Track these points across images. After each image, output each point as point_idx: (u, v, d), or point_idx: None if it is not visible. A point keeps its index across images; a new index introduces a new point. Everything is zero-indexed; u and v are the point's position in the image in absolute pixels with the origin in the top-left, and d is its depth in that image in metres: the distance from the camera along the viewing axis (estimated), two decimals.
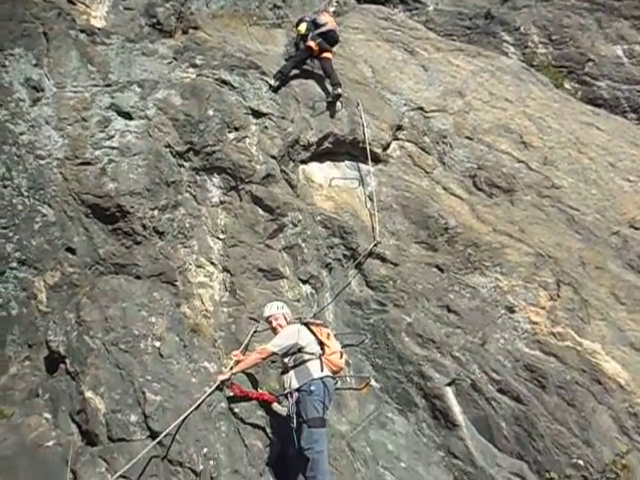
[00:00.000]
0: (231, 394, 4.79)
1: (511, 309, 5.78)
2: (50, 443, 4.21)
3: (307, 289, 6.09)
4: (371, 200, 6.64)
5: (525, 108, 7.96)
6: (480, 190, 6.88)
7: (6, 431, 4.30)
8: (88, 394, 4.38)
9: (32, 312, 5.36)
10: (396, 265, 6.13)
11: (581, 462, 4.86)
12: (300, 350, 4.66)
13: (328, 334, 4.93)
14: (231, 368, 4.89)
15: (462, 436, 5.36)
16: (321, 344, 4.82)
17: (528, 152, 7.28)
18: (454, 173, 7.08)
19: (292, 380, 4.62)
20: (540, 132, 7.56)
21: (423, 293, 5.94)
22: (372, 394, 5.67)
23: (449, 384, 5.52)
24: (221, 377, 4.74)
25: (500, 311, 5.79)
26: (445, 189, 6.86)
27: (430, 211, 6.47)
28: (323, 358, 4.70)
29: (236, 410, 4.82)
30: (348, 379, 5.69)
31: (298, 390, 4.58)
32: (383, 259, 6.17)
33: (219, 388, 4.73)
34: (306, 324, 4.89)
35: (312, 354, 4.67)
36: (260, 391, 4.98)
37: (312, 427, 4.48)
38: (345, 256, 6.30)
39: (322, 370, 4.63)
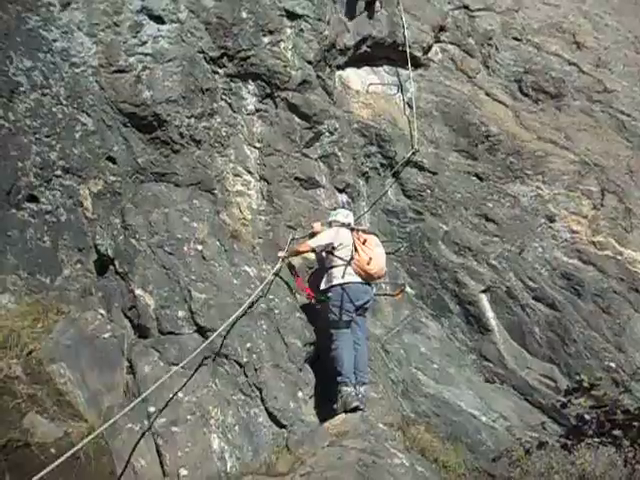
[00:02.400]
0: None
1: (551, 218, 5.68)
2: (106, 335, 4.54)
3: (343, 198, 6.09)
4: (410, 107, 6.41)
5: (580, 4, 7.32)
6: (526, 95, 6.52)
7: (66, 325, 4.64)
8: (138, 292, 4.64)
9: (79, 218, 5.56)
10: (434, 174, 6.03)
11: (612, 364, 4.95)
12: (333, 252, 4.85)
13: (365, 240, 5.02)
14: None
15: (494, 340, 5.52)
16: (355, 249, 4.95)
17: (580, 53, 6.78)
18: (499, 77, 6.70)
19: (322, 283, 5.00)
20: (595, 31, 6.99)
21: (461, 202, 5.87)
22: (407, 300, 5.82)
23: (484, 291, 5.60)
24: (281, 254, 5.22)
25: (540, 220, 5.70)
26: (488, 95, 6.53)
27: (471, 118, 6.22)
28: (352, 263, 4.84)
29: (276, 311, 5.05)
30: (384, 285, 5.82)
31: (323, 293, 4.93)
32: (421, 167, 6.06)
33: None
34: (352, 229, 5.06)
35: (341, 259, 4.87)
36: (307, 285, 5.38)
37: (331, 328, 4.82)
38: (382, 165, 6.22)
39: (343, 277, 4.83)
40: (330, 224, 5.32)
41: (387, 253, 5.81)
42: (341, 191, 6.10)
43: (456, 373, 5.51)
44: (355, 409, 4.51)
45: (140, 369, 4.21)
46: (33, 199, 5.47)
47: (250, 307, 4.80)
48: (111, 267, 5.06)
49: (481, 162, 6.06)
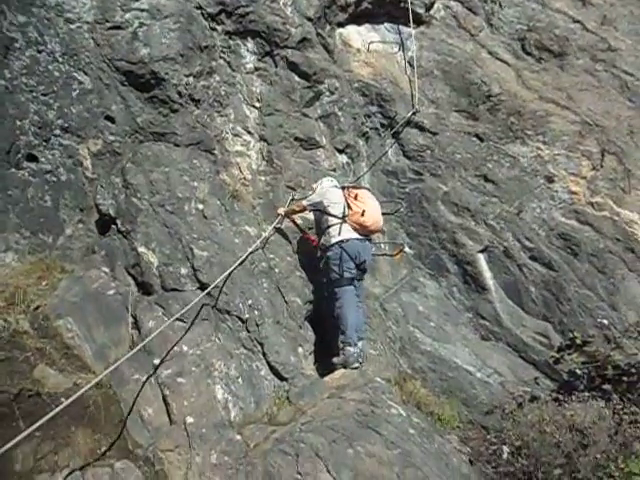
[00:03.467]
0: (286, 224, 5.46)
1: (550, 179, 5.70)
2: (111, 292, 4.62)
3: (343, 158, 6.09)
4: (411, 66, 6.33)
5: None
6: (528, 54, 6.43)
7: (71, 282, 4.72)
8: (141, 249, 4.70)
9: (80, 178, 5.57)
10: (434, 134, 6.01)
11: (605, 321, 5.07)
12: (326, 211, 4.90)
13: (357, 195, 5.06)
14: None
15: (491, 299, 5.62)
16: (348, 206, 5.00)
17: (585, 10, 6.65)
18: (502, 36, 6.59)
19: (321, 242, 5.11)
20: None
21: (461, 162, 5.88)
22: (405, 260, 5.90)
23: (482, 251, 5.67)
24: (281, 210, 5.32)
25: (539, 181, 5.73)
26: (491, 53, 6.44)
27: (473, 77, 6.16)
28: (346, 219, 4.90)
29: (276, 270, 5.13)
30: (382, 246, 5.89)
31: (323, 251, 5.02)
32: (421, 128, 6.04)
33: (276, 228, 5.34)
34: (342, 188, 5.09)
35: (335, 216, 4.96)
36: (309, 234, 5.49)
37: (334, 287, 4.90)
38: (382, 125, 6.19)
39: (340, 234, 4.89)
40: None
41: (386, 214, 5.87)
42: (341, 152, 6.09)
43: (452, 331, 5.64)
44: (355, 368, 4.68)
45: (145, 324, 4.31)
46: (33, 158, 5.47)
47: (251, 264, 4.87)
48: (113, 226, 5.10)
49: (482, 122, 6.03)
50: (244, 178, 5.78)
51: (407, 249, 5.89)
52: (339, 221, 4.93)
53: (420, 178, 5.93)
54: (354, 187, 5.29)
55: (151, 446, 3.58)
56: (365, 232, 5.02)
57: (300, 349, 4.82)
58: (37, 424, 2.84)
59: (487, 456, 4.68)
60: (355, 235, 4.96)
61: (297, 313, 5.04)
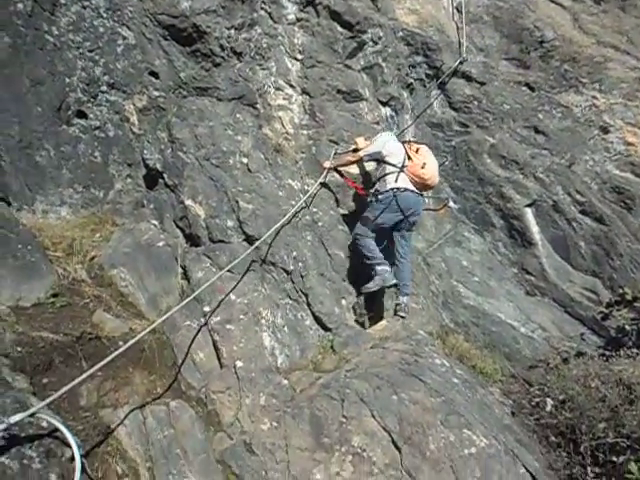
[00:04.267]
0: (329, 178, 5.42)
1: (605, 129, 5.43)
2: (160, 244, 4.78)
3: (387, 111, 5.96)
4: (459, 11, 6.05)
5: None
6: None
7: (122, 234, 4.90)
8: (188, 202, 4.81)
9: (127, 134, 5.68)
10: (482, 84, 5.79)
11: None
12: (384, 160, 4.85)
13: (418, 149, 5.00)
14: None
15: (537, 254, 5.51)
16: (409, 158, 4.94)
17: None
18: None
19: (375, 189, 5.05)
20: None
21: (510, 113, 5.66)
22: (449, 215, 5.82)
23: (529, 205, 5.53)
24: (327, 163, 5.31)
25: (593, 132, 5.47)
26: None
27: (525, 22, 5.85)
28: (405, 170, 4.85)
29: (319, 223, 5.16)
30: (426, 200, 5.81)
31: (374, 195, 4.99)
32: (469, 78, 5.82)
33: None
34: (402, 142, 5.04)
35: (393, 165, 4.85)
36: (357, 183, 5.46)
37: (360, 223, 4.97)
38: (428, 75, 5.99)
39: (396, 181, 4.82)
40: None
41: None
42: (384, 104, 5.96)
43: (497, 286, 5.59)
44: (393, 286, 4.88)
45: (194, 274, 4.46)
46: (82, 115, 5.60)
47: (295, 217, 4.92)
48: (160, 180, 5.22)
49: (533, 71, 5.76)
50: (286, 132, 5.76)
51: (451, 203, 5.80)
52: (397, 170, 4.88)
53: (466, 130, 5.76)
54: (415, 142, 5.23)
55: (203, 388, 3.77)
56: (420, 186, 4.98)
57: (343, 301, 4.89)
58: (100, 364, 3.01)
59: (529, 409, 4.70)
60: (411, 187, 4.91)
61: (340, 266, 5.09)
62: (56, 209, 5.38)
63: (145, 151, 5.41)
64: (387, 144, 4.99)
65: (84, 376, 2.92)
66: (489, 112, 5.70)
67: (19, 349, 3.34)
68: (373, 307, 5.35)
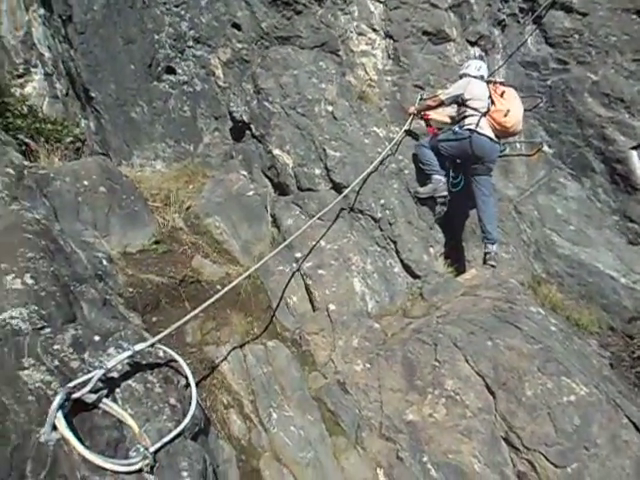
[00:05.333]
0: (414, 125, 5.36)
1: None
2: (250, 193, 4.91)
3: (476, 51, 5.64)
4: None
5: None
6: None
7: (213, 185, 5.08)
8: (276, 152, 4.88)
9: (213, 88, 5.81)
10: (584, 15, 5.28)
11: None
12: (465, 103, 4.64)
13: (503, 92, 4.72)
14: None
15: None
16: (492, 102, 4.69)
17: None
18: None
19: (454, 128, 4.86)
20: None
21: (616, 46, 5.14)
22: (543, 160, 5.49)
23: (636, 147, 5.08)
24: (412, 109, 5.24)
25: None
26: None
27: None
28: (487, 115, 4.62)
29: (406, 171, 5.07)
30: (518, 145, 5.52)
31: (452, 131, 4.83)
32: (569, 9, 5.32)
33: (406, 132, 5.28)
34: (488, 82, 4.77)
35: (475, 109, 4.64)
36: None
37: (419, 143, 5.05)
38: (522, 10, 5.55)
39: (477, 125, 4.63)
40: (461, 78, 5.01)
41: (524, 110, 5.44)
42: (473, 44, 5.64)
43: (595, 234, 5.26)
44: (444, 197, 4.95)
45: (284, 222, 4.56)
46: (171, 71, 5.77)
47: (381, 165, 4.86)
48: (247, 132, 5.32)
49: None
50: (370, 79, 5.64)
51: (546, 148, 5.45)
52: (479, 114, 4.65)
53: (565, 68, 5.32)
54: (501, 83, 4.92)
55: (298, 329, 3.91)
56: (501, 133, 4.73)
57: (431, 249, 4.83)
58: (203, 305, 3.16)
59: (630, 361, 4.49)
60: (489, 133, 4.69)
61: (427, 214, 5.01)
62: (151, 163, 5.67)
63: (231, 104, 5.50)
64: (469, 86, 4.73)
65: (190, 316, 3.09)
66: (592, 46, 5.21)
67: (130, 290, 3.60)
68: (460, 257, 5.26)
